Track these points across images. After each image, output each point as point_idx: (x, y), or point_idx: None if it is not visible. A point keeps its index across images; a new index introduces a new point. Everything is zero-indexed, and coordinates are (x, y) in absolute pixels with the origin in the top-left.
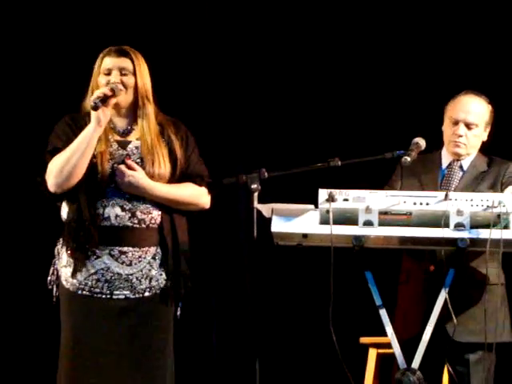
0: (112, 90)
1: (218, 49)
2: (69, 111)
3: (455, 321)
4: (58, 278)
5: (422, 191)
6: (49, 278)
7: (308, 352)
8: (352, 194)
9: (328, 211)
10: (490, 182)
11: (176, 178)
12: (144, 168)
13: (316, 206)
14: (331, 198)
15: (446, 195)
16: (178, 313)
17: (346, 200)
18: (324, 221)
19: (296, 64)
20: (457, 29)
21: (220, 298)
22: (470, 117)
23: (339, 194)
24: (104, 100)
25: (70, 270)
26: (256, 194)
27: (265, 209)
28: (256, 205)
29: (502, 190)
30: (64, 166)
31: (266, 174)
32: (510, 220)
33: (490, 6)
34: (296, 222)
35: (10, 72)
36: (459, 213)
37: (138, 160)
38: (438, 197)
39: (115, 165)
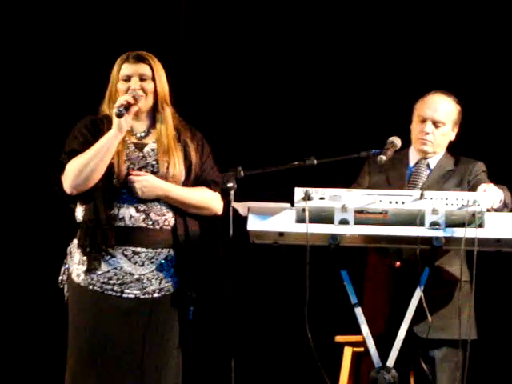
0: (134, 97)
1: (192, 48)
2: (86, 113)
3: (430, 318)
4: (69, 275)
5: (392, 189)
6: (60, 277)
7: (283, 350)
8: (328, 192)
9: (304, 210)
10: (456, 180)
11: (190, 182)
12: (158, 170)
13: (292, 205)
14: (307, 197)
15: (422, 194)
16: (190, 316)
17: (322, 198)
18: (300, 219)
19: (271, 62)
20: (431, 31)
21: (195, 297)
22: (438, 115)
23: (315, 192)
24: (127, 107)
25: (82, 267)
26: (232, 193)
27: (241, 207)
28: (232, 203)
29: (468, 189)
30: (82, 170)
31: (242, 172)
32: (484, 219)
33: (460, 8)
34: (272, 220)
35: (27, 74)
36: (434, 212)
37: (154, 162)
38: (414, 196)
39: (131, 166)
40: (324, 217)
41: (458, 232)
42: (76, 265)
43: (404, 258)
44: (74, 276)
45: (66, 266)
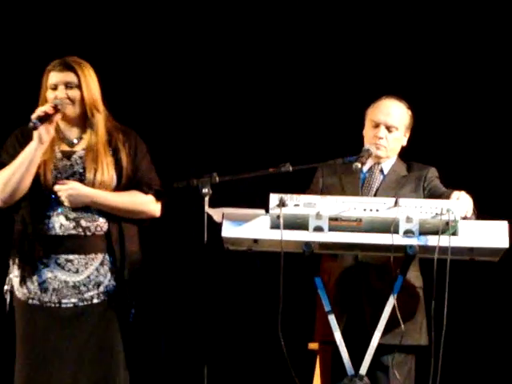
0: (55, 106)
1: (167, 50)
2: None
3: (403, 327)
4: (12, 288)
5: (346, 193)
6: (5, 287)
7: (256, 357)
8: (303, 199)
9: (279, 216)
10: (411, 186)
11: (122, 186)
12: (85, 177)
13: (267, 211)
14: (282, 203)
15: (396, 202)
16: (131, 319)
17: (296, 205)
18: (274, 226)
19: (247, 67)
20: (383, 40)
21: (169, 303)
22: (391, 119)
23: (290, 199)
24: (44, 118)
25: (19, 279)
26: (207, 199)
27: (215, 213)
28: (207, 209)
29: (426, 195)
30: (7, 183)
31: (217, 178)
32: (458, 227)
33: (415, 14)
34: (246, 226)
35: None
36: (408, 220)
37: (81, 170)
38: (388, 203)
39: (58, 175)
40: (298, 224)
41: (432, 240)
42: (15, 277)
43: (358, 260)
44: (15, 290)
45: (10, 275)
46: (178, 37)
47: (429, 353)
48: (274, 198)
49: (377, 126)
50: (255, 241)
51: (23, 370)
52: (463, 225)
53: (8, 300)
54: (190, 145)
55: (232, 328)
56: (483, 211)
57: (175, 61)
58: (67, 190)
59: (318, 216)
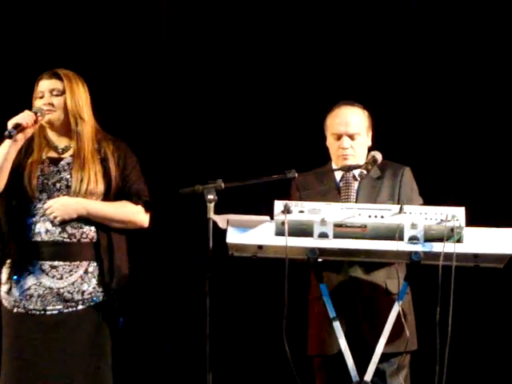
0: (34, 113)
1: (175, 57)
2: None
3: (407, 332)
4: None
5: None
6: None
7: (261, 363)
8: (308, 205)
9: (283, 223)
10: (387, 191)
11: (111, 196)
12: (71, 185)
13: (272, 218)
14: (287, 210)
15: (401, 208)
16: (119, 327)
17: (301, 212)
18: (279, 232)
19: (251, 73)
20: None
21: (174, 309)
22: (351, 128)
23: (295, 205)
24: (20, 127)
25: (6, 287)
26: (212, 205)
27: (220, 220)
28: (212, 216)
29: (399, 200)
30: None
31: (222, 184)
32: (463, 234)
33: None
34: (251, 233)
35: None
36: (413, 226)
37: (68, 176)
38: (393, 210)
39: (45, 180)
40: (303, 230)
41: (437, 247)
42: (3, 285)
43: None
44: (2, 298)
45: None
46: (180, 43)
47: (434, 359)
48: (278, 205)
49: (339, 137)
50: (260, 247)
51: (10, 376)
52: (468, 231)
53: None
54: (195, 152)
55: (237, 334)
56: (489, 219)
57: (179, 66)
58: (54, 203)
59: (323, 222)
